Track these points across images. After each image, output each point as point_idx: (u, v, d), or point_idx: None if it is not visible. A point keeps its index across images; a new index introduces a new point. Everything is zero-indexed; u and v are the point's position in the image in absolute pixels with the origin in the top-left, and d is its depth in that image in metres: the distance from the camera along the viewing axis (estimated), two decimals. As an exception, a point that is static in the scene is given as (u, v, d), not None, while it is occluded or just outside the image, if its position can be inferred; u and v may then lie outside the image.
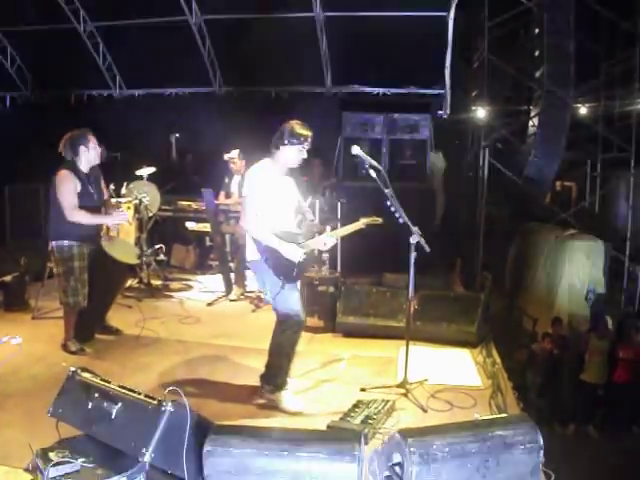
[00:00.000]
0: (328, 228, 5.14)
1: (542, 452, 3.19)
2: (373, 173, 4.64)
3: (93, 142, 5.61)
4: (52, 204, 5.53)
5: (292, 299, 4.66)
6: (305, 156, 4.69)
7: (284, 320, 4.62)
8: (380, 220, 4.97)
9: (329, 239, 4.83)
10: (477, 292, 7.81)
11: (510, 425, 3.28)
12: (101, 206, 5.82)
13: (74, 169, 5.50)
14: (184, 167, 11.22)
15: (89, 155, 5.58)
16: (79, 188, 5.47)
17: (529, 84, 11.86)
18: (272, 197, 4.58)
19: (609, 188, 12.00)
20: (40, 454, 3.14)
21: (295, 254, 4.55)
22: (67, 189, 5.42)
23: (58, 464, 3.02)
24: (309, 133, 4.60)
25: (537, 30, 11.34)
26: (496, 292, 9.94)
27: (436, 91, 11.19)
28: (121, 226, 7.25)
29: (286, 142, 4.56)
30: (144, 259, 8.00)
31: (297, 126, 4.59)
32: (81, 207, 5.46)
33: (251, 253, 4.69)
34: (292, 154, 4.62)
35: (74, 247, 5.49)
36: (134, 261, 6.02)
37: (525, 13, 11.41)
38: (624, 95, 11.65)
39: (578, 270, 9.62)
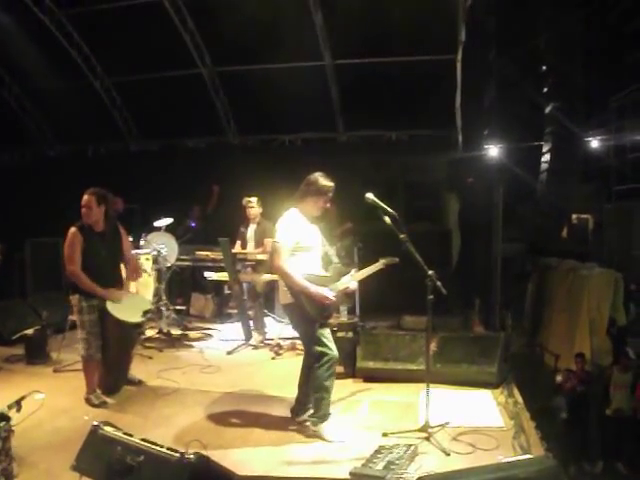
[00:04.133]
0: (353, 271, 5.26)
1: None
2: (387, 219, 4.78)
3: (87, 204, 5.63)
4: None
5: (327, 337, 4.99)
6: (328, 205, 5.05)
7: (319, 358, 4.90)
8: (397, 260, 5.11)
9: (353, 281, 5.12)
10: (497, 331, 7.76)
11: (534, 466, 3.27)
12: (114, 263, 5.92)
13: (82, 226, 5.65)
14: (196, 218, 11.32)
15: (85, 215, 5.66)
16: (84, 245, 5.59)
17: (540, 120, 11.95)
18: (302, 243, 4.88)
19: (625, 219, 11.94)
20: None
21: (325, 295, 4.79)
22: (69, 246, 5.60)
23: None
24: (332, 184, 4.98)
25: (544, 67, 11.50)
26: (517, 330, 9.87)
27: (448, 132, 11.28)
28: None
29: (313, 193, 4.91)
30: (155, 313, 8.03)
31: (321, 178, 4.96)
32: (86, 264, 5.58)
33: (284, 297, 4.94)
34: (318, 204, 4.97)
35: (82, 301, 5.62)
36: (137, 319, 5.87)
37: (533, 50, 11.57)
38: (634, 126, 11.70)
39: (598, 303, 9.50)
